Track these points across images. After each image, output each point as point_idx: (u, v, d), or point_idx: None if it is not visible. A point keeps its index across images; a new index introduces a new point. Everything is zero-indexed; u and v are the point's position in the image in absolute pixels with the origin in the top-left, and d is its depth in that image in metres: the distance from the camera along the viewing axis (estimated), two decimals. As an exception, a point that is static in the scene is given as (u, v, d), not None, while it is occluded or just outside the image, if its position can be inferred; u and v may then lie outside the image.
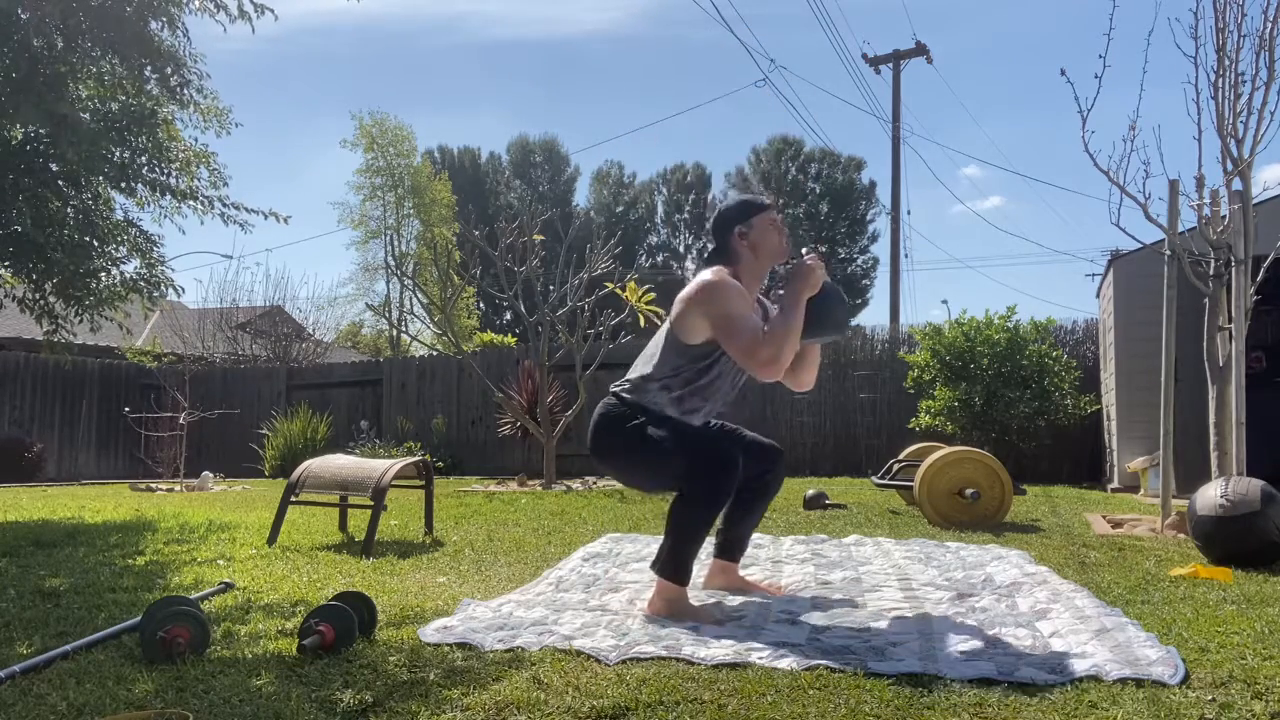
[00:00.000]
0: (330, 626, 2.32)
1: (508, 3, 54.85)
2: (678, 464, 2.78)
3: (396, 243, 31.03)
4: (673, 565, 2.78)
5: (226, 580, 3.30)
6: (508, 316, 36.44)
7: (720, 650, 2.31)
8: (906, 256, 38.33)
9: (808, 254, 2.89)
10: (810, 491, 6.36)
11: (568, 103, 62.15)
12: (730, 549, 3.19)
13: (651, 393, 2.91)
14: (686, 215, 42.49)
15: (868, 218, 39.62)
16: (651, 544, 4.09)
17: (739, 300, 2.82)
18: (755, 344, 2.75)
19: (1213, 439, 5.17)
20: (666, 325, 2.98)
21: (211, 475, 9.91)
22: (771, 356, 2.74)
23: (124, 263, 6.44)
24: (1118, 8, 5.18)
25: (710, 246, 3.06)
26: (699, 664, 2.21)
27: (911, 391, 9.81)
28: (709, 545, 3.24)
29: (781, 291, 2.89)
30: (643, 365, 2.99)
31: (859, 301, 39.65)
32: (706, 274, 2.90)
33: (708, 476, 2.74)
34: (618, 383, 3.02)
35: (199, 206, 6.38)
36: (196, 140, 6.49)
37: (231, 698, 1.97)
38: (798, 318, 2.80)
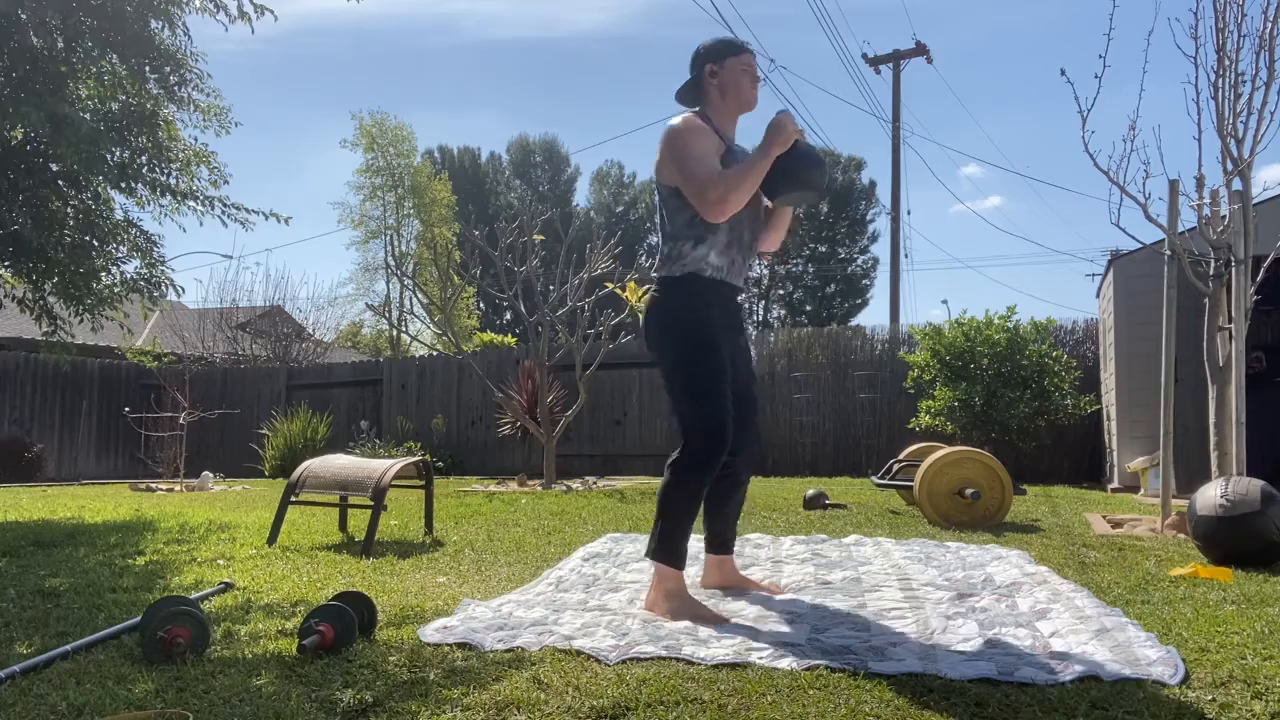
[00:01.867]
0: (330, 626, 2.32)
1: (507, 3, 54.88)
2: (687, 410, 2.81)
3: (396, 243, 31.04)
4: (666, 547, 2.78)
5: (226, 580, 3.30)
6: (508, 316, 36.45)
7: (720, 650, 2.31)
8: (906, 256, 38.40)
9: (784, 112, 2.86)
10: (810, 491, 6.36)
11: (568, 103, 62.19)
12: (718, 543, 3.18)
13: (687, 252, 2.89)
14: (686, 215, 42.41)
15: (868, 218, 39.67)
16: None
17: (698, 140, 2.82)
18: (707, 183, 2.75)
19: (1213, 439, 5.18)
20: (657, 187, 2.98)
21: (211, 475, 9.91)
22: (719, 197, 2.74)
23: (124, 262, 6.44)
24: (1118, 8, 5.19)
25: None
26: (699, 664, 2.21)
27: (911, 391, 9.81)
28: (699, 547, 3.23)
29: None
30: (664, 236, 2.97)
31: (859, 301, 39.69)
32: (675, 119, 2.90)
33: (700, 445, 2.76)
34: (657, 267, 2.99)
35: (199, 206, 6.38)
36: (196, 140, 6.48)
37: (231, 698, 1.97)
38: (758, 167, 2.79)
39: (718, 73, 2.96)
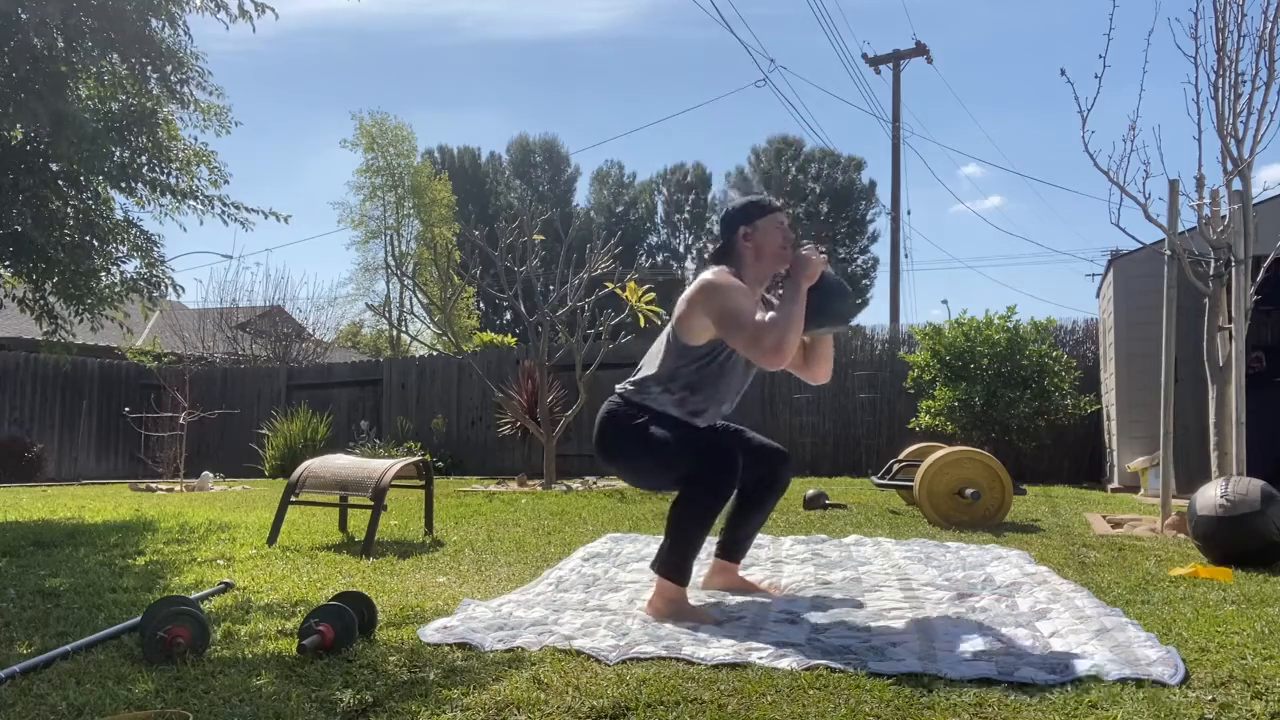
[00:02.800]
0: (330, 626, 2.32)
1: (506, 3, 54.89)
2: (679, 463, 2.79)
3: (396, 243, 31.02)
4: (672, 565, 2.78)
5: (226, 580, 3.30)
6: (508, 316, 36.44)
7: (720, 650, 2.31)
8: (906, 256, 38.41)
9: (806, 246, 2.89)
10: (810, 491, 6.36)
11: (568, 103, 62.19)
12: (732, 550, 3.19)
13: (654, 394, 2.93)
14: (686, 215, 42.50)
15: (868, 218, 39.67)
16: (651, 544, 4.10)
17: (740, 295, 2.83)
18: (759, 333, 2.75)
19: (1213, 439, 5.17)
20: (669, 328, 2.99)
21: (211, 475, 9.91)
22: (775, 343, 2.74)
23: (124, 262, 6.44)
24: (1118, 8, 5.19)
25: (711, 247, 3.07)
26: (699, 664, 2.21)
27: (911, 391, 9.81)
28: (710, 545, 3.24)
29: (782, 291, 2.90)
30: (646, 367, 3.00)
31: (859, 301, 39.67)
32: (707, 274, 2.91)
33: (708, 476, 2.74)
34: (623, 383, 3.03)
35: (199, 205, 6.38)
36: (196, 139, 6.48)
37: (231, 698, 1.97)
38: (798, 305, 2.80)
39: (751, 235, 2.96)
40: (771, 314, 2.81)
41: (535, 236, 9.28)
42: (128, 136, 6.03)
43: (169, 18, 5.49)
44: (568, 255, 9.43)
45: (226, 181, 6.52)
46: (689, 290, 2.92)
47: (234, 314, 18.92)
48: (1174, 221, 5.03)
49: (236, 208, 6.50)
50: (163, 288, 6.58)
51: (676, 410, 2.91)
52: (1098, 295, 10.01)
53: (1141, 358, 7.57)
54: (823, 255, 2.87)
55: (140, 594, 3.12)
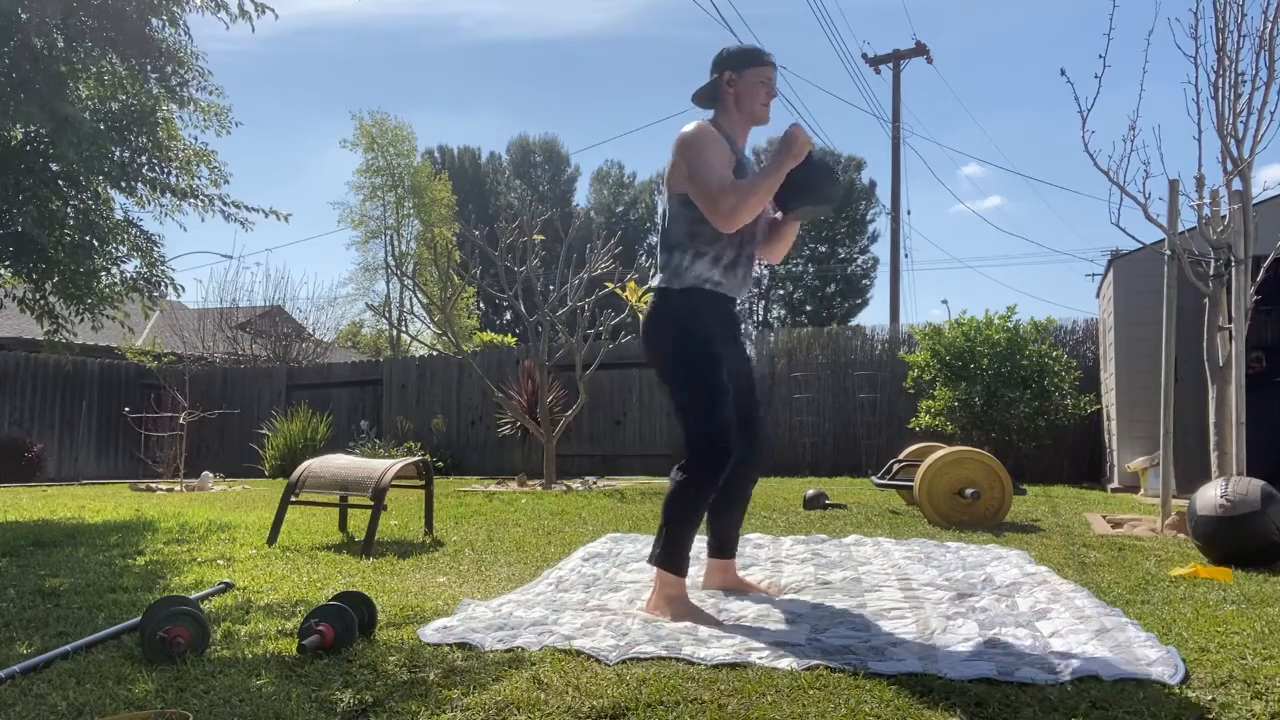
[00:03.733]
0: (330, 626, 2.32)
1: (505, 3, 54.88)
2: (690, 421, 2.80)
3: (396, 243, 31.03)
4: (668, 553, 2.78)
5: (226, 580, 3.30)
6: (508, 316, 36.45)
7: (720, 650, 2.31)
8: (906, 256, 38.39)
9: (796, 124, 2.86)
10: (810, 491, 6.36)
11: (568, 103, 62.20)
12: (721, 547, 3.19)
13: (686, 265, 2.88)
14: (686, 215, 42.41)
15: (868, 218, 39.64)
16: (651, 544, 4.09)
17: (711, 149, 2.82)
18: (719, 193, 2.75)
19: (1213, 439, 5.18)
20: (665, 191, 2.97)
21: (211, 475, 9.91)
22: (731, 207, 2.73)
23: (124, 262, 6.44)
24: (1118, 8, 5.19)
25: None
26: (699, 664, 2.21)
27: (911, 391, 9.81)
28: (703, 549, 3.24)
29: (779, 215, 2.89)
30: (665, 244, 2.95)
31: (859, 301, 39.67)
32: (688, 126, 2.90)
33: (704, 457, 2.76)
34: (657, 275, 2.98)
35: (199, 204, 6.38)
36: (196, 139, 6.48)
37: (231, 698, 1.97)
38: (771, 179, 2.79)
39: (735, 81, 2.94)
40: (741, 180, 2.80)
41: (535, 236, 9.28)
42: (128, 136, 6.03)
43: (169, 17, 5.50)
44: (568, 255, 9.43)
45: (226, 181, 6.54)
46: (673, 143, 2.91)
47: (234, 314, 18.92)
48: (1174, 221, 5.03)
49: (236, 206, 6.50)
50: (163, 287, 6.59)
51: (715, 270, 2.87)
52: (1098, 295, 10.01)
53: (1141, 358, 7.57)
54: (811, 139, 2.85)
55: (140, 594, 3.12)
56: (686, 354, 2.86)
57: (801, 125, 2.85)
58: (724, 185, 2.76)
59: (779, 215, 3.09)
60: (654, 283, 2.99)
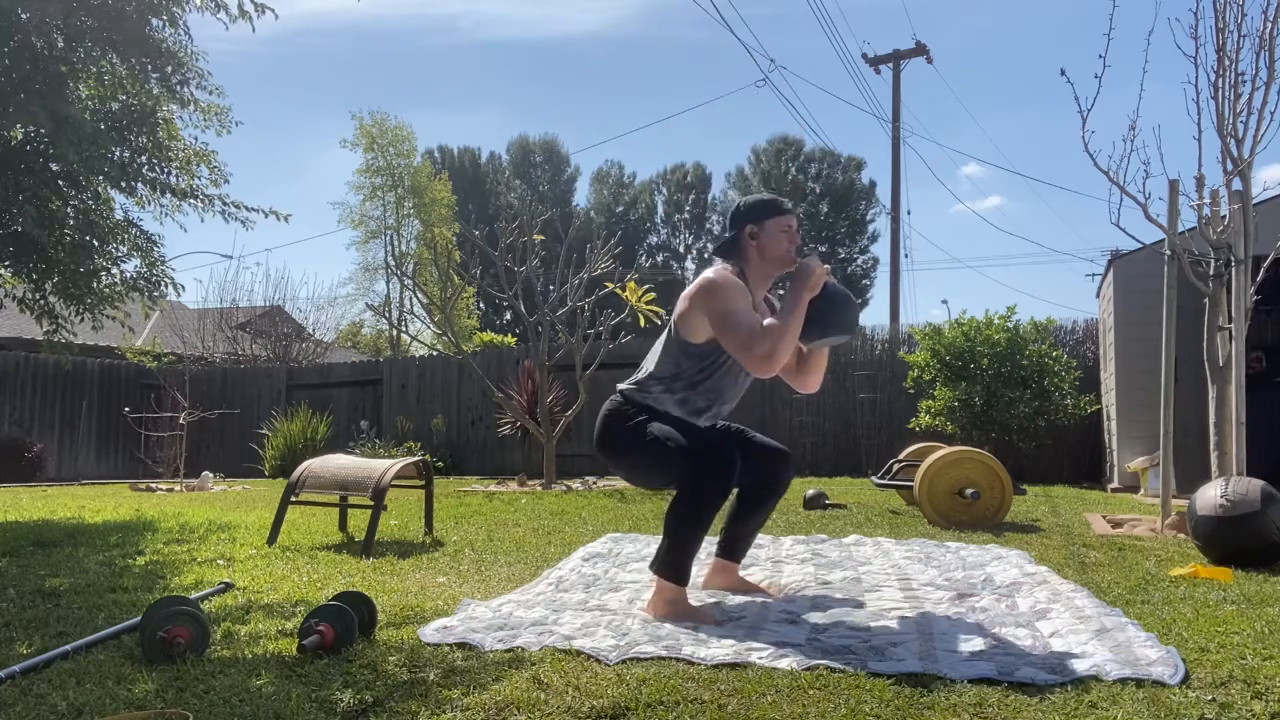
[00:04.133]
0: (330, 626, 2.32)
1: (504, 3, 54.88)
2: (676, 461, 2.78)
3: (396, 243, 31.02)
4: (671, 565, 2.77)
5: (226, 580, 3.30)
6: (508, 316, 36.44)
7: (720, 650, 2.31)
8: (906, 256, 38.39)
9: (810, 256, 2.88)
10: (810, 491, 6.36)
11: (568, 103, 62.20)
12: (732, 549, 3.19)
13: (655, 393, 2.93)
14: (686, 215, 42.49)
15: (868, 218, 39.66)
16: (651, 544, 4.09)
17: (738, 297, 2.82)
18: (752, 339, 2.74)
19: (1213, 439, 5.18)
20: (670, 325, 2.99)
21: (211, 475, 9.91)
22: (768, 352, 2.73)
23: (124, 262, 6.44)
24: (1118, 8, 5.19)
25: (711, 246, 3.07)
26: (699, 664, 2.21)
27: (911, 391, 9.81)
28: (710, 545, 3.24)
29: (784, 292, 2.90)
30: (647, 365, 3.00)
31: (860, 301, 39.65)
32: (709, 272, 2.90)
33: (705, 476, 2.73)
34: (624, 382, 3.03)
35: (199, 204, 6.38)
36: (197, 139, 6.48)
37: (231, 698, 1.97)
38: (797, 316, 2.79)
39: (758, 234, 2.94)
40: (769, 320, 2.80)
41: (535, 236, 9.28)
42: (128, 136, 6.03)
43: (169, 18, 5.49)
44: (568, 255, 9.43)
45: (226, 180, 6.53)
46: (690, 287, 2.92)
47: (234, 314, 18.92)
48: (1174, 221, 5.03)
49: (237, 206, 6.50)
50: (163, 287, 6.58)
51: (678, 410, 2.91)
52: (1098, 295, 10.01)
53: (1141, 358, 7.57)
54: (826, 266, 2.86)
55: (140, 594, 3.12)
56: (647, 430, 2.85)
57: (816, 257, 2.86)
58: (756, 332, 2.76)
59: (803, 348, 3.08)
60: (621, 385, 3.02)
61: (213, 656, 2.30)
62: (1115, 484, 8.19)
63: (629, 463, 2.99)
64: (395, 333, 27.12)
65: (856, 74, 69.17)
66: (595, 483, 8.91)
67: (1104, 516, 5.43)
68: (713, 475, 2.73)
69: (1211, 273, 5.28)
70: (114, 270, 6.39)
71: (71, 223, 6.08)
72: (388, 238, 30.86)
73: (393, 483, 4.43)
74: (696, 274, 3.03)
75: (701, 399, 2.92)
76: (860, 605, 2.93)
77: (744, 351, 2.77)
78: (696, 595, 3.03)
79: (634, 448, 2.89)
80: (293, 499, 4.47)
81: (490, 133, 65.36)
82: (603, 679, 2.08)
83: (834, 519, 5.44)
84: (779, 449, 3.11)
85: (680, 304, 2.93)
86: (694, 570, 3.21)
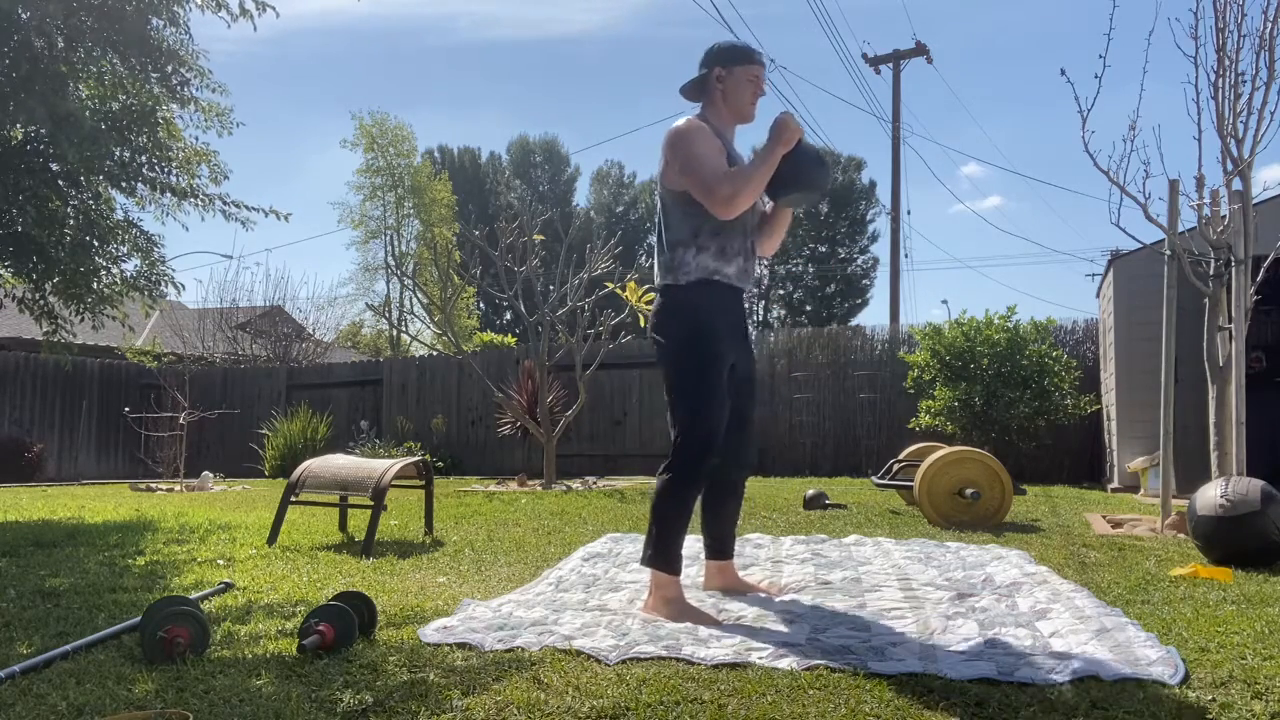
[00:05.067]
0: (330, 626, 2.32)
1: (502, 3, 54.88)
2: (684, 397, 2.81)
3: (396, 243, 31.04)
4: (659, 553, 2.78)
5: (226, 580, 3.30)
6: (508, 316, 36.45)
7: (720, 650, 2.31)
8: (906, 256, 38.37)
9: (786, 112, 2.86)
10: (810, 491, 6.36)
11: (568, 103, 62.21)
12: (718, 548, 3.18)
13: (689, 261, 2.88)
14: (686, 215, 42.41)
15: (868, 218, 39.65)
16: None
17: (702, 140, 2.84)
18: (716, 181, 2.76)
19: (1213, 439, 5.18)
20: (659, 193, 2.97)
21: (211, 475, 9.91)
22: (729, 194, 2.75)
23: (124, 261, 6.44)
24: (1118, 8, 5.19)
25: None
26: (699, 664, 2.21)
27: (911, 391, 9.81)
28: (702, 550, 3.24)
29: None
30: (663, 243, 2.95)
31: (859, 301, 39.68)
32: (678, 121, 2.91)
33: (692, 459, 2.78)
34: (659, 274, 2.97)
35: (199, 204, 6.38)
36: (197, 140, 6.49)
37: (231, 698, 1.97)
38: (765, 166, 2.80)
39: (724, 78, 2.95)
40: (735, 167, 2.81)
41: (535, 236, 9.28)
42: (128, 136, 6.03)
43: (170, 17, 5.50)
44: (568, 255, 9.43)
45: (226, 178, 6.53)
46: (663, 141, 2.92)
47: (234, 314, 18.92)
48: (1174, 221, 5.03)
49: (237, 206, 6.50)
50: (163, 287, 6.59)
51: (720, 262, 2.87)
52: (1098, 295, 10.01)
53: (1141, 358, 7.57)
54: (800, 127, 2.85)
55: (140, 594, 3.12)
56: (691, 351, 2.86)
57: (792, 113, 2.86)
58: (719, 174, 2.78)
59: (769, 208, 3.10)
60: (658, 281, 2.98)
61: (213, 656, 2.30)
62: (1115, 484, 8.18)
63: (665, 363, 2.93)
64: (395, 333, 27.13)
65: (856, 74, 69.19)
66: (595, 483, 8.91)
67: (1104, 516, 5.43)
68: (693, 459, 2.78)
69: (1211, 273, 5.28)
70: (114, 270, 6.40)
71: (71, 223, 6.08)
72: (388, 238, 30.89)
73: (393, 483, 4.43)
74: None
75: (731, 238, 2.90)
76: (860, 605, 2.93)
77: (706, 193, 2.78)
78: (696, 596, 3.03)
79: (673, 357, 2.88)
80: (293, 499, 4.47)
81: (490, 133, 65.40)
82: (603, 679, 2.08)
83: (834, 519, 5.44)
84: (742, 431, 3.04)
85: (660, 162, 2.93)
86: (693, 572, 3.22)
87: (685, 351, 2.87)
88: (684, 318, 2.89)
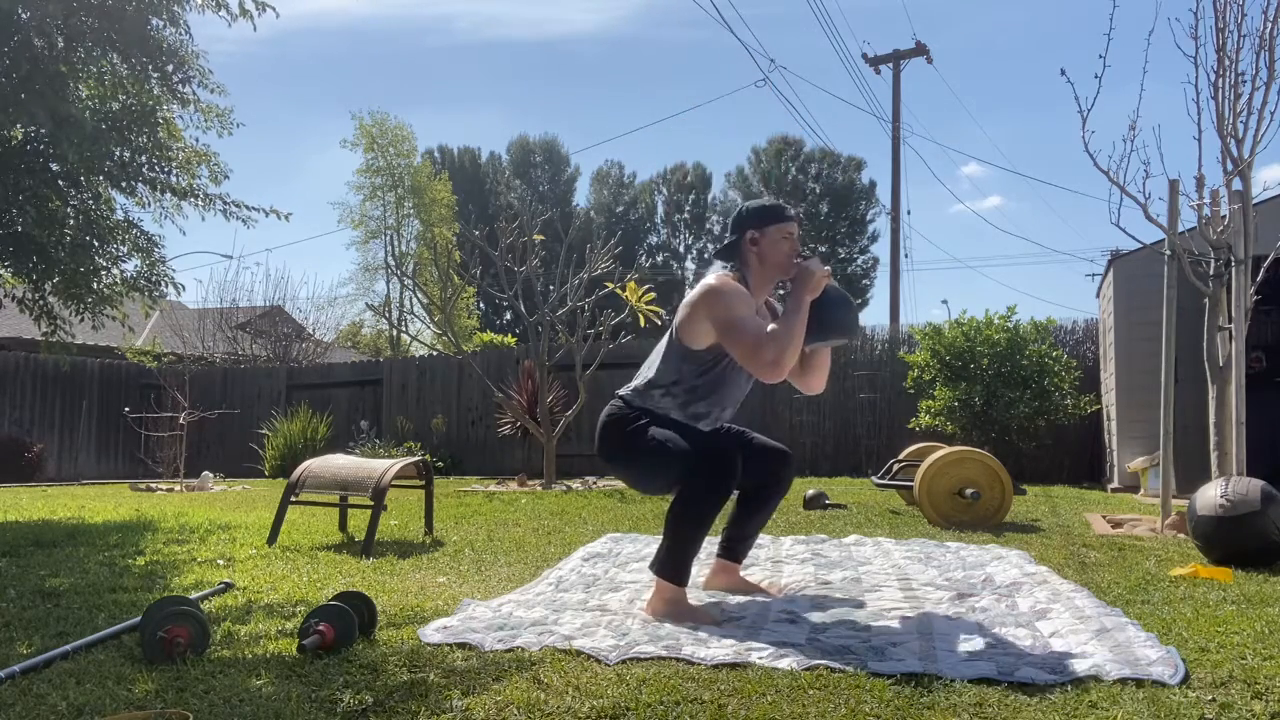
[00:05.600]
0: (330, 626, 2.32)
1: (501, 3, 54.88)
2: (679, 464, 2.78)
3: (396, 243, 31.03)
4: (671, 566, 2.77)
5: (226, 580, 3.30)
6: (508, 316, 36.44)
7: (720, 650, 2.31)
8: (906, 256, 38.37)
9: (810, 259, 2.87)
10: (810, 491, 6.36)
11: (568, 103, 62.21)
12: (733, 550, 3.18)
13: (655, 398, 2.93)
14: (686, 215, 42.49)
15: (868, 218, 39.66)
16: (651, 544, 4.09)
17: (742, 303, 2.81)
18: (758, 346, 2.74)
19: (1213, 439, 5.18)
20: (670, 331, 2.98)
21: (211, 475, 9.91)
22: (774, 358, 2.73)
23: (124, 261, 6.45)
24: (1118, 8, 5.20)
25: (712, 248, 3.07)
26: (699, 664, 2.21)
27: (911, 391, 9.81)
28: (711, 545, 3.24)
29: (784, 294, 2.89)
30: (647, 370, 2.99)
31: (859, 301, 39.68)
32: (711, 279, 2.90)
33: (706, 476, 2.73)
34: (625, 387, 3.03)
35: (199, 204, 6.38)
36: (198, 140, 6.49)
37: (231, 698, 1.97)
38: (800, 319, 2.79)
39: (759, 240, 2.94)
40: (772, 327, 2.80)
41: (535, 236, 9.28)
42: (128, 136, 6.03)
43: (170, 17, 5.49)
44: (568, 255, 9.43)
45: (227, 177, 6.53)
46: (692, 294, 2.91)
47: (234, 314, 18.92)
48: (1174, 221, 5.03)
49: (237, 205, 6.50)
50: (163, 287, 6.59)
51: (680, 414, 2.91)
52: (1098, 295, 10.01)
53: (1141, 358, 7.57)
54: (826, 269, 2.86)
55: (140, 594, 3.12)
56: (647, 435, 2.84)
57: (817, 260, 2.86)
58: (761, 337, 2.75)
59: (805, 350, 3.08)
60: (619, 392, 3.01)
61: (213, 656, 2.30)
62: (1115, 484, 8.19)
63: (630, 467, 2.98)
64: (395, 333, 27.13)
65: (856, 74, 69.21)
66: (595, 483, 8.91)
67: (1104, 516, 5.43)
68: (714, 476, 2.72)
69: (1211, 273, 5.28)
70: (114, 270, 6.40)
71: (71, 223, 6.08)
72: (388, 238, 30.88)
73: (393, 483, 4.43)
74: (696, 274, 3.02)
75: (703, 404, 2.92)
76: (860, 605, 2.93)
77: (751, 358, 2.76)
78: (697, 595, 3.03)
79: (636, 453, 2.88)
80: (293, 499, 4.47)
81: (490, 133, 65.44)
82: (603, 679, 2.08)
83: (834, 519, 5.44)
84: (780, 449, 3.11)
85: (682, 310, 2.92)
86: (694, 570, 3.22)
87: (641, 434, 2.85)
88: (630, 420, 2.90)
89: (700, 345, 2.87)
